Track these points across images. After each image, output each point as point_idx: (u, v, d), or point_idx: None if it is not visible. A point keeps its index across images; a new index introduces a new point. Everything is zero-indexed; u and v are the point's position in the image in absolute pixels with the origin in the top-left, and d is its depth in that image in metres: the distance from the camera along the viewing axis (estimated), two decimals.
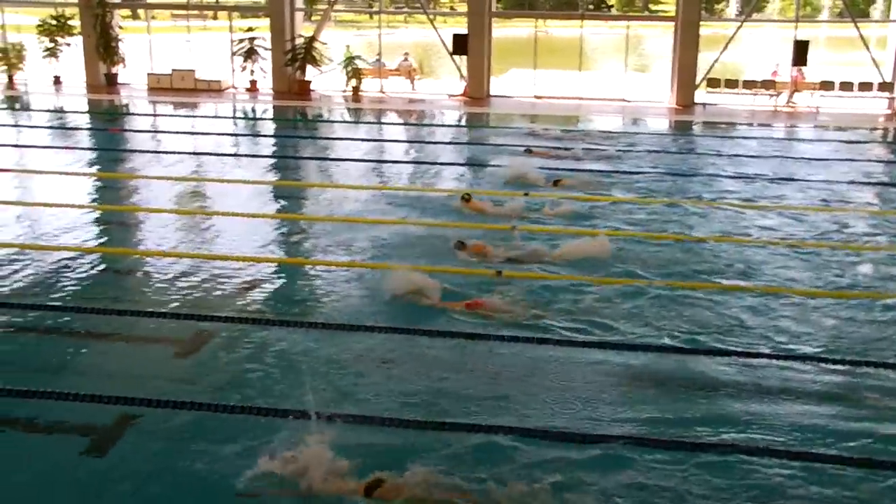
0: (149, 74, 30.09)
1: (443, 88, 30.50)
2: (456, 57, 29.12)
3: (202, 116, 26.25)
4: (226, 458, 7.10)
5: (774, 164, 19.48)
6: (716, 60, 28.57)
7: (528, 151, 19.72)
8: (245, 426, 7.65)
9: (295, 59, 28.95)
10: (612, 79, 31.13)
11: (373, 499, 6.59)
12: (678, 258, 12.51)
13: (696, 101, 27.81)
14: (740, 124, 25.39)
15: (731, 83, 28.40)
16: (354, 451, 7.07)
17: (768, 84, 28.32)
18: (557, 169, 17.69)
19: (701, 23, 27.69)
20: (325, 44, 30.08)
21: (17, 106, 27.18)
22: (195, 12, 37.12)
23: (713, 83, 28.18)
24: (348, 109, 27.61)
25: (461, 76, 29.36)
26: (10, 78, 30.07)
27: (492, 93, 29.32)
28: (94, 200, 16.13)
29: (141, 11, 36.16)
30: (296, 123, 25.58)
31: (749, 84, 28.46)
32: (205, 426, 7.70)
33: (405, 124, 25.64)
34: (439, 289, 10.48)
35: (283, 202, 16.21)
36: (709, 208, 15.37)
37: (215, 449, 7.23)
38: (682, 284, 11.33)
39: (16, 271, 11.59)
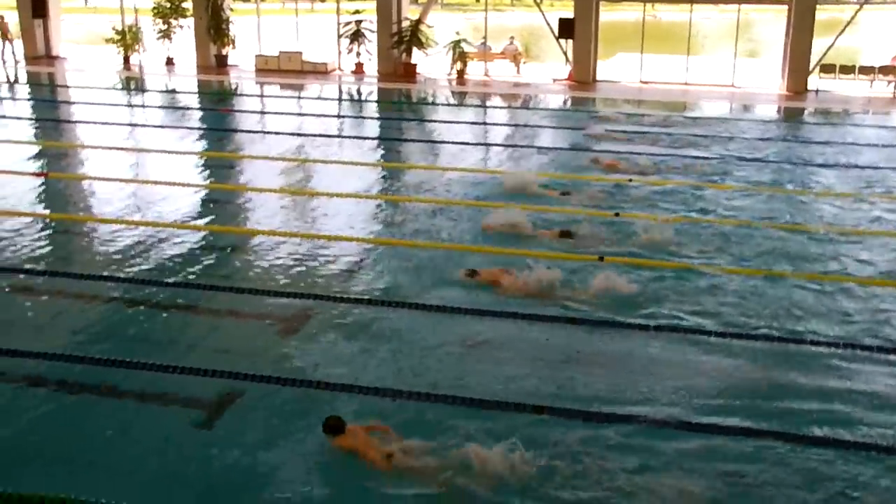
0: (257, 56, 30.67)
1: (548, 73, 30.24)
2: (562, 41, 28.86)
3: (309, 98, 26.69)
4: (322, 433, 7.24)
5: (891, 153, 18.76)
6: (831, 46, 27.56)
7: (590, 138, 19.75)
8: (343, 403, 7.77)
9: (401, 41, 29.13)
10: (722, 64, 30.36)
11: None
12: (785, 248, 12.19)
13: (808, 87, 26.95)
14: (855, 112, 24.52)
15: (847, 69, 27.40)
16: (451, 431, 7.16)
17: (887, 70, 27.23)
18: (653, 154, 17.61)
19: (817, 6, 26.77)
20: (431, 27, 30.16)
21: (133, 86, 28.07)
22: None
23: (827, 69, 27.21)
24: (453, 93, 27.67)
25: (567, 60, 29.08)
26: (126, 59, 31.00)
27: (598, 77, 28.97)
28: (203, 179, 16.57)
29: None
30: (401, 106, 25.76)
31: (866, 70, 27.39)
32: (305, 402, 7.86)
33: (509, 108, 25.54)
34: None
35: (387, 183, 16.39)
36: (820, 198, 14.93)
37: (314, 424, 7.35)
38: (789, 274, 11.09)
39: (131, 248, 12.00)
